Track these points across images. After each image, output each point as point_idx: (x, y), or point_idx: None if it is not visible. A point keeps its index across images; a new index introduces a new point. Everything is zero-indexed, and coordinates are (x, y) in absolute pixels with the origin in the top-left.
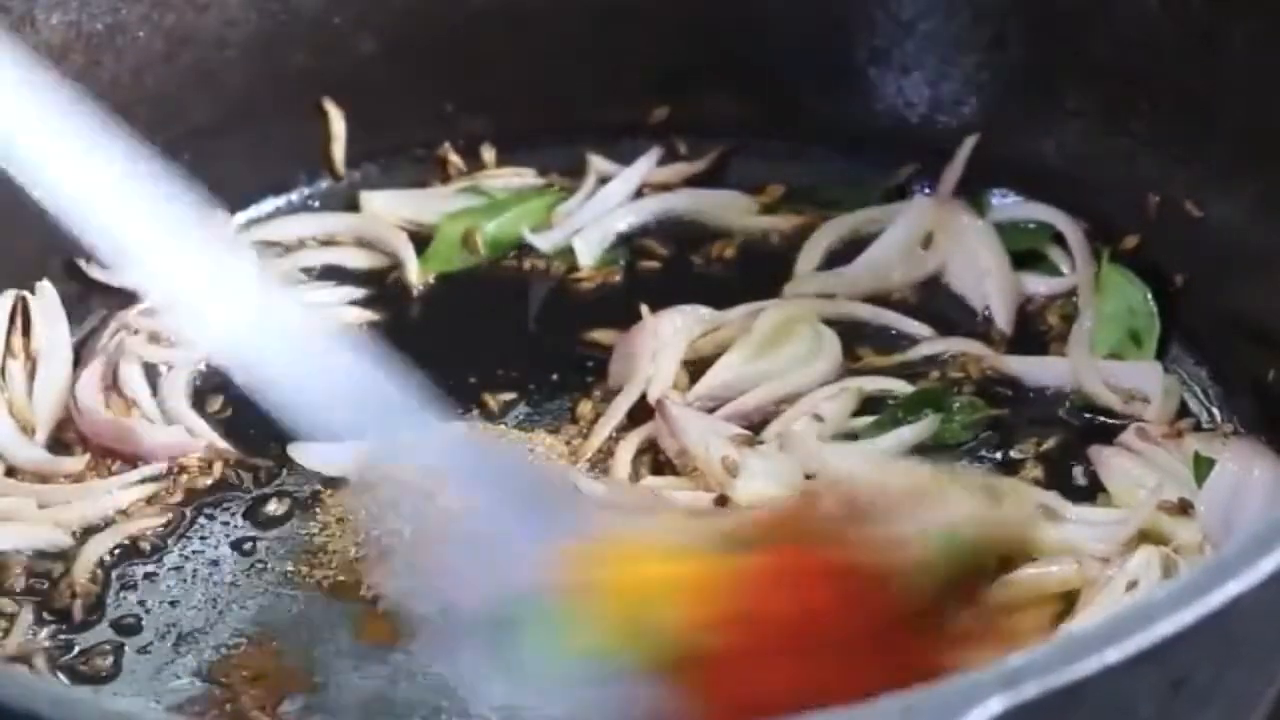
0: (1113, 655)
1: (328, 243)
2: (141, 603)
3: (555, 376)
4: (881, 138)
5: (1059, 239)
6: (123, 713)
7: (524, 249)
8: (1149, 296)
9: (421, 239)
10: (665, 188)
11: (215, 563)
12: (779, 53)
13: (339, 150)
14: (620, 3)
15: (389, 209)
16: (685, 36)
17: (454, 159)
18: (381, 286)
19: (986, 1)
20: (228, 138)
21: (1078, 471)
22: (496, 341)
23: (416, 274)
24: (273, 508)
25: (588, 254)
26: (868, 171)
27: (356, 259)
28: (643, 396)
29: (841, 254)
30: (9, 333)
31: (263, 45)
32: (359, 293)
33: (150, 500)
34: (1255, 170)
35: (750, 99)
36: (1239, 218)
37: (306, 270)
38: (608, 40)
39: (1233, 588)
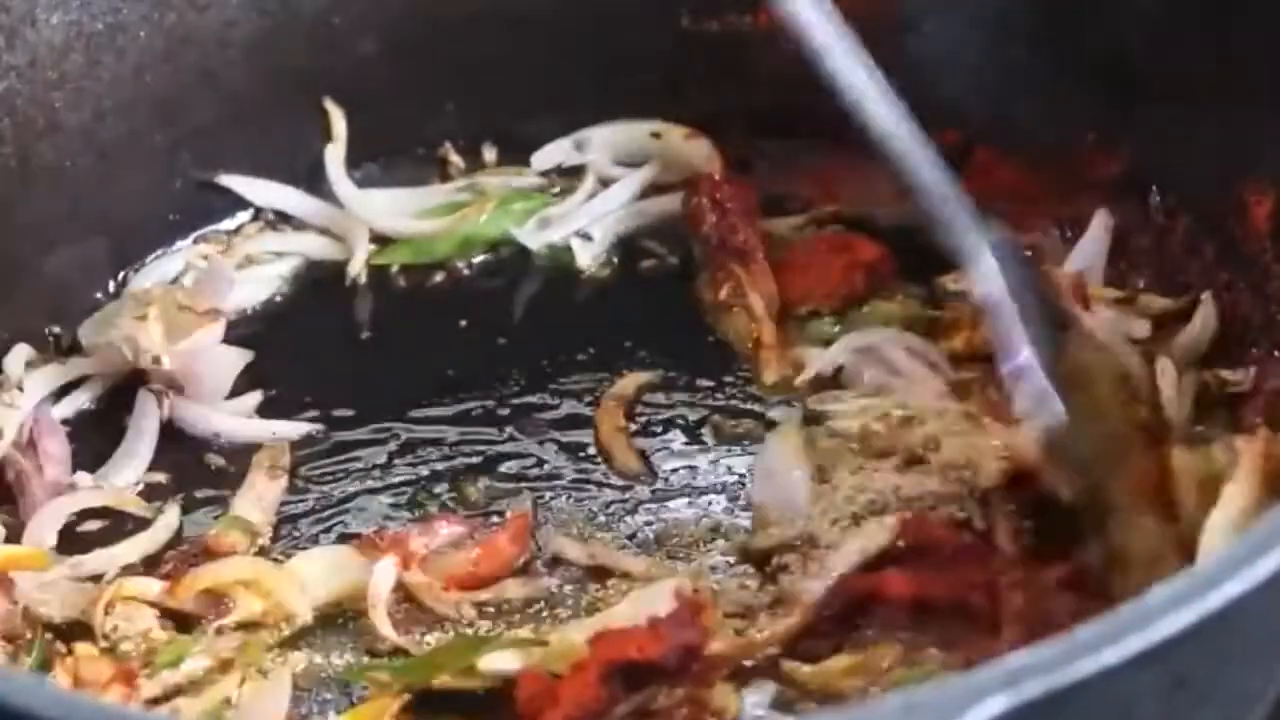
0: (1112, 655)
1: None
2: None
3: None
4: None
5: None
6: (122, 713)
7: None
8: None
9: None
10: (665, 189)
11: None
12: (780, 53)
13: (339, 150)
14: (620, 3)
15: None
16: (685, 37)
17: (454, 159)
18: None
19: (987, 1)
20: (228, 138)
21: None
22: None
23: (360, 265)
24: None
25: (586, 255)
26: (868, 172)
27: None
28: None
29: None
30: None
31: (263, 45)
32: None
33: None
34: (1255, 168)
35: (751, 100)
36: (1238, 217)
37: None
38: (608, 40)
39: (1233, 588)
